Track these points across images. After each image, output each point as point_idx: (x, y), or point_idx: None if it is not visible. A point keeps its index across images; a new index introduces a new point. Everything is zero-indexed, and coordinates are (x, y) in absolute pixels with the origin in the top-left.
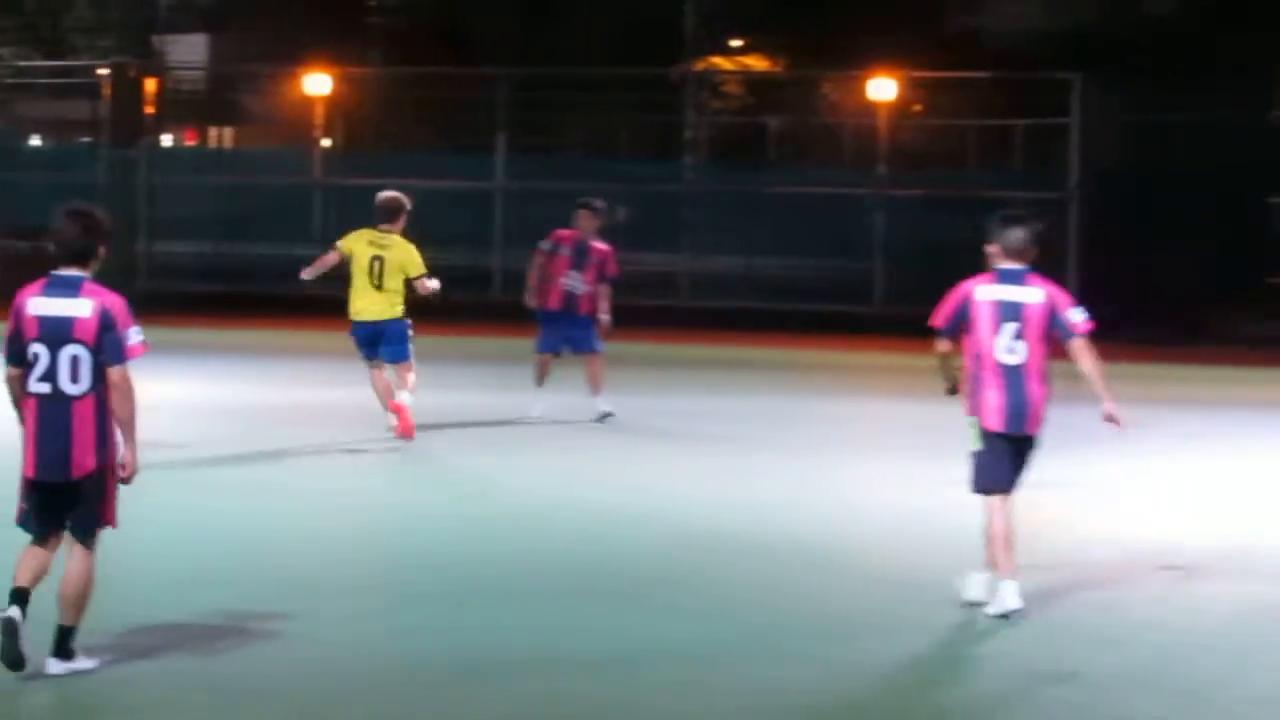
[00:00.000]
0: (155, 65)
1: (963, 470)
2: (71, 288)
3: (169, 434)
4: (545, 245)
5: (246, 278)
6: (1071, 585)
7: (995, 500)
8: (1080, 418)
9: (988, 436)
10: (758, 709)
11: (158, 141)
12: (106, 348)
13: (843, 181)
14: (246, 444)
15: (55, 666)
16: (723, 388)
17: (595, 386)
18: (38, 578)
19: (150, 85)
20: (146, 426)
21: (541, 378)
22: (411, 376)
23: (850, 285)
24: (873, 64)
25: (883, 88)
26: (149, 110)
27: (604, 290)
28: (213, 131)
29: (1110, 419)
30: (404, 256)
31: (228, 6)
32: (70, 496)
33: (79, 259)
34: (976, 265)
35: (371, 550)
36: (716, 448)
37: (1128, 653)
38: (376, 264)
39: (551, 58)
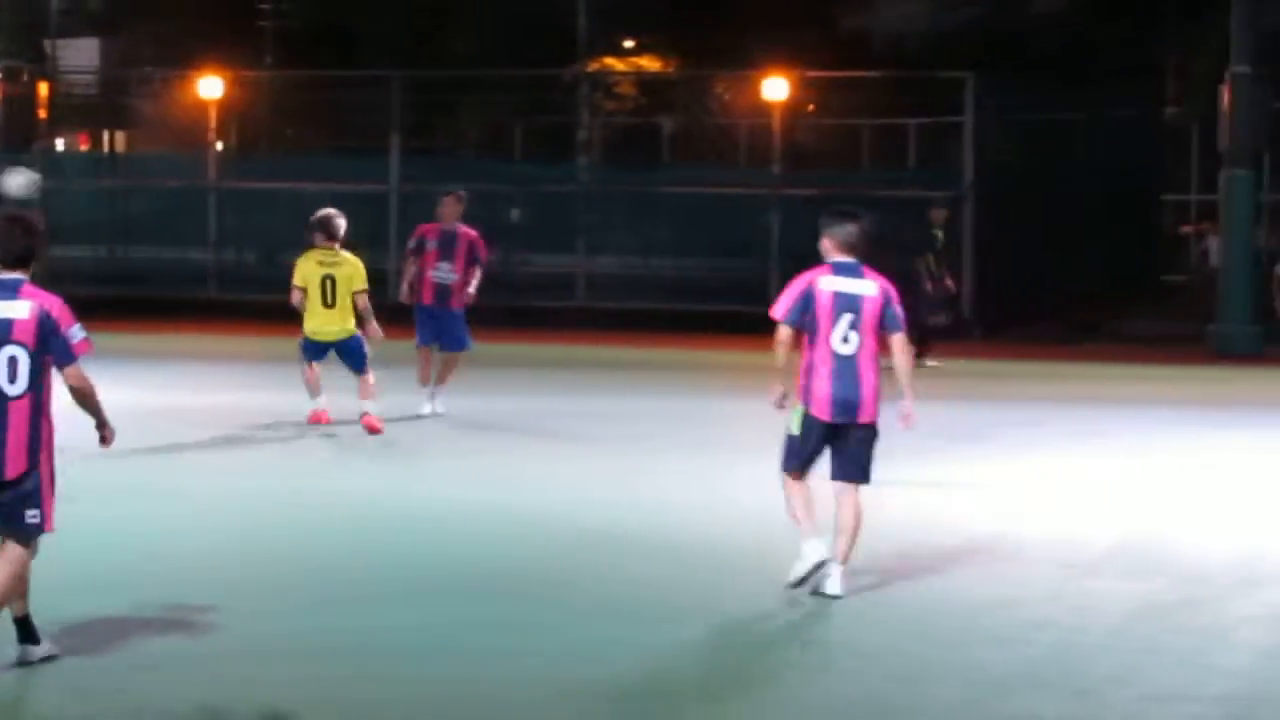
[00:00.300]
0: (47, 69)
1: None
2: (10, 290)
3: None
4: (412, 243)
5: (141, 281)
6: (965, 584)
7: (796, 478)
8: (971, 418)
9: (810, 422)
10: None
11: (51, 146)
12: (55, 350)
13: (737, 181)
14: (136, 447)
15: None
16: (619, 388)
17: (443, 381)
18: None
19: (43, 89)
20: None
21: (425, 374)
22: (373, 383)
23: (746, 285)
24: (766, 64)
25: (776, 87)
26: (41, 114)
27: (475, 271)
28: (106, 135)
29: (905, 418)
30: (353, 272)
31: (119, 10)
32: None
33: (18, 262)
34: (868, 263)
35: (258, 554)
36: (609, 448)
37: (1023, 650)
38: (328, 282)
39: (444, 59)
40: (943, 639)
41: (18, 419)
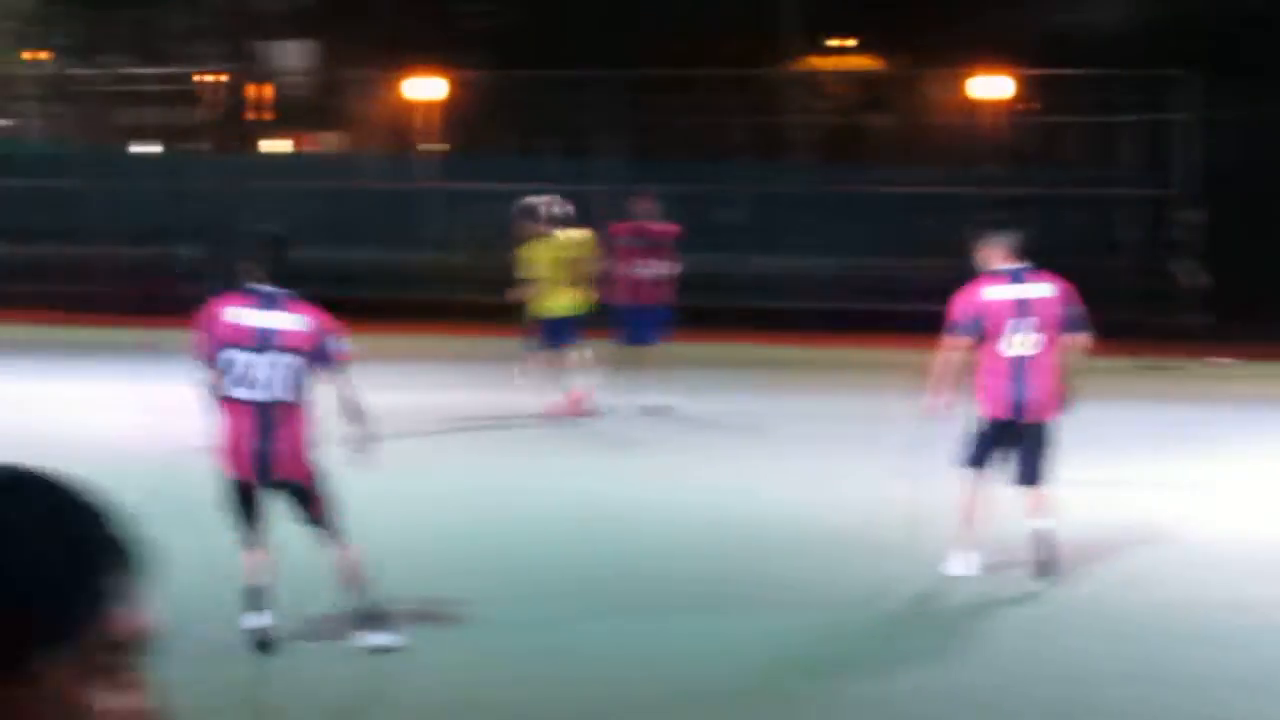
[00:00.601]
0: (262, 71)
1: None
2: (279, 303)
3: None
4: (610, 242)
5: (352, 283)
6: (1186, 586)
7: (971, 475)
8: (1197, 418)
9: (987, 422)
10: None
11: (265, 147)
12: (323, 360)
13: (947, 180)
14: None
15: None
16: (827, 388)
17: (645, 377)
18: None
19: (257, 91)
20: None
21: (626, 371)
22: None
23: (960, 285)
24: (975, 62)
25: (986, 86)
26: (255, 116)
27: (671, 269)
28: (321, 136)
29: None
30: (584, 249)
31: (331, 12)
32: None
33: (281, 277)
34: (1084, 265)
35: (478, 553)
36: (817, 449)
37: (1253, 654)
38: (563, 263)
39: (656, 59)
40: (1163, 641)
41: (290, 423)
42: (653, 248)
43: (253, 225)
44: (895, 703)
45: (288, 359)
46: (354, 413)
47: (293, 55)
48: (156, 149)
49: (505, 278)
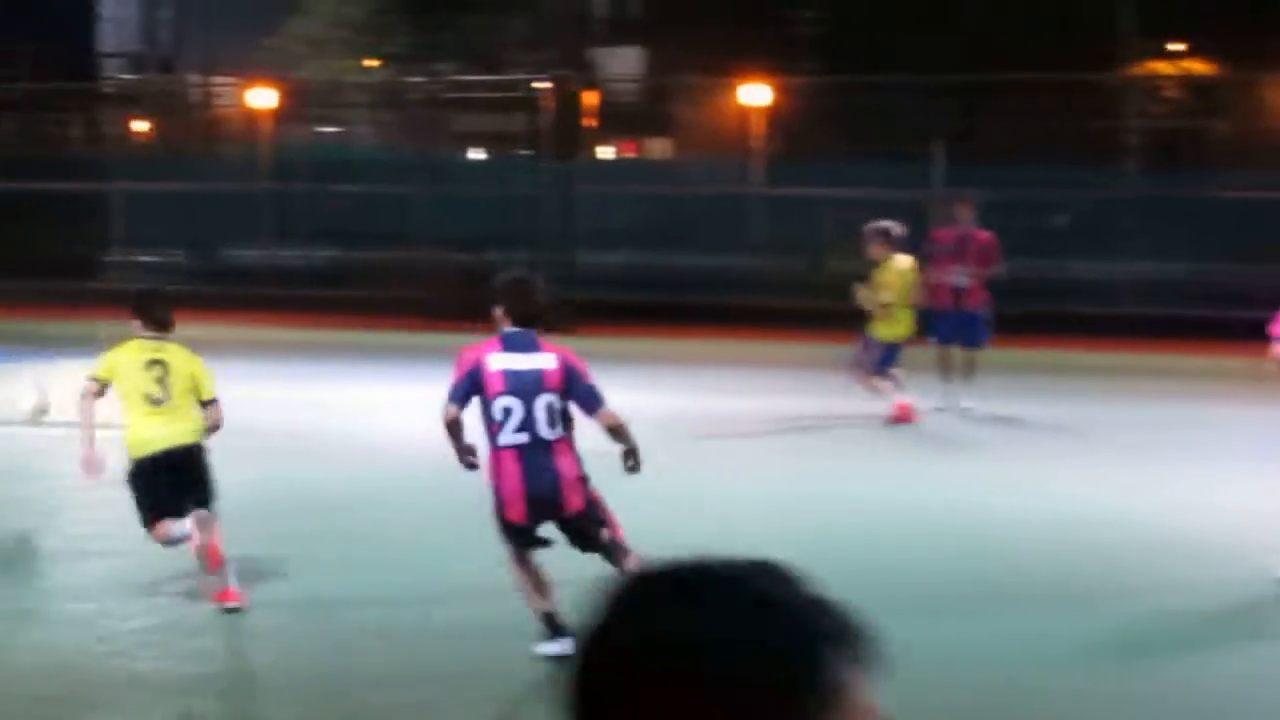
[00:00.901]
0: (593, 78)
1: None
2: (533, 345)
3: (594, 443)
4: (928, 248)
5: (682, 287)
6: None
7: None
8: None
9: None
10: None
11: (595, 153)
12: (581, 396)
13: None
14: (674, 455)
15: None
16: (1159, 395)
17: (967, 380)
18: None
19: (588, 98)
20: None
21: (948, 372)
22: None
23: None
24: None
25: None
26: (587, 123)
27: (988, 273)
28: (649, 143)
29: None
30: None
31: (660, 19)
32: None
33: (533, 320)
34: None
35: (800, 555)
36: (1147, 455)
37: None
38: (903, 288)
39: (986, 64)
40: None
41: (565, 459)
42: (970, 254)
43: (505, 270)
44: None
45: (550, 398)
46: (620, 435)
47: (621, 62)
48: (483, 155)
49: (830, 283)
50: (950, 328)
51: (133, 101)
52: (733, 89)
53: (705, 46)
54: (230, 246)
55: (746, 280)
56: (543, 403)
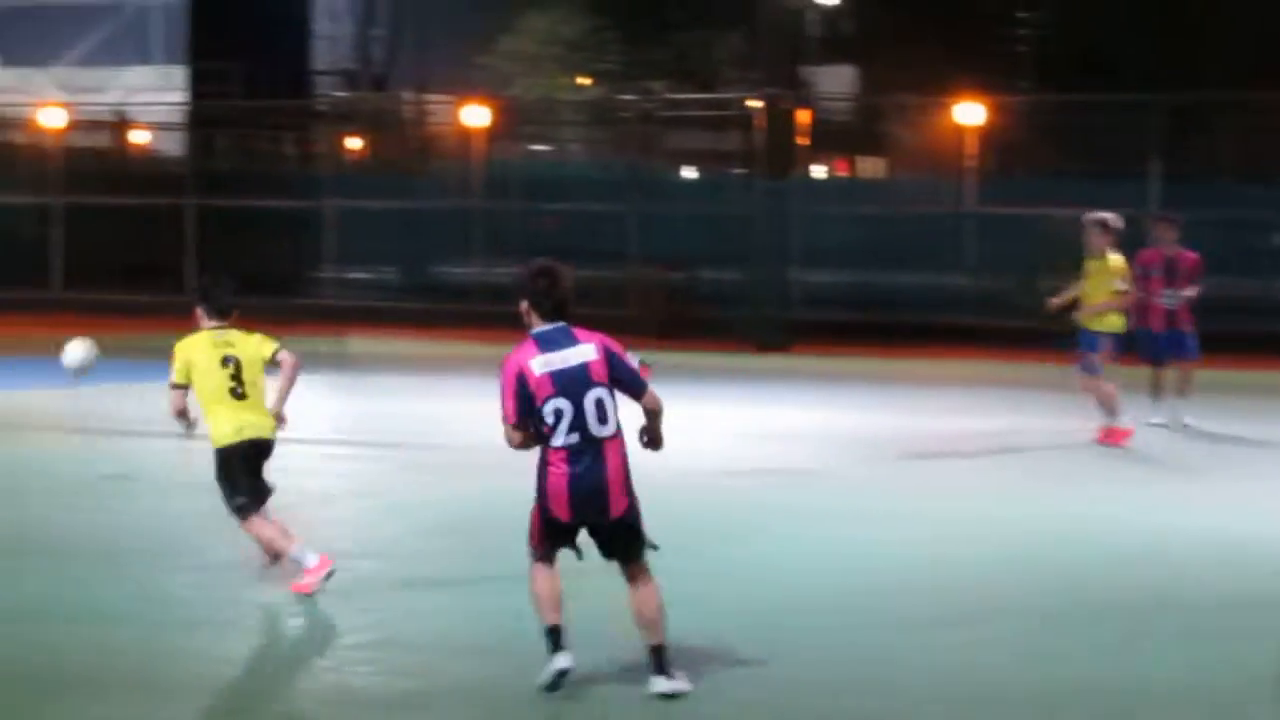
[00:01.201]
0: (806, 97)
1: None
2: (570, 337)
3: (804, 461)
4: (1136, 270)
5: (894, 306)
6: None
7: None
8: None
9: None
10: None
11: (808, 172)
12: (625, 380)
13: None
14: (881, 472)
15: (661, 684)
16: None
17: (1183, 395)
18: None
19: (801, 116)
20: (779, 453)
21: (1160, 391)
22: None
23: None
24: None
25: None
26: (800, 141)
27: (1195, 292)
28: (861, 161)
29: None
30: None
31: (874, 37)
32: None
33: (557, 312)
34: None
35: (1010, 576)
36: None
37: None
38: (1113, 283)
39: (1200, 82)
40: None
41: (615, 459)
42: (1179, 275)
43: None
44: None
45: (599, 392)
46: (655, 418)
47: (834, 80)
48: (695, 173)
49: (1041, 303)
50: (1162, 347)
51: (346, 119)
52: (946, 107)
53: (918, 64)
54: (442, 263)
55: (958, 299)
56: (592, 398)
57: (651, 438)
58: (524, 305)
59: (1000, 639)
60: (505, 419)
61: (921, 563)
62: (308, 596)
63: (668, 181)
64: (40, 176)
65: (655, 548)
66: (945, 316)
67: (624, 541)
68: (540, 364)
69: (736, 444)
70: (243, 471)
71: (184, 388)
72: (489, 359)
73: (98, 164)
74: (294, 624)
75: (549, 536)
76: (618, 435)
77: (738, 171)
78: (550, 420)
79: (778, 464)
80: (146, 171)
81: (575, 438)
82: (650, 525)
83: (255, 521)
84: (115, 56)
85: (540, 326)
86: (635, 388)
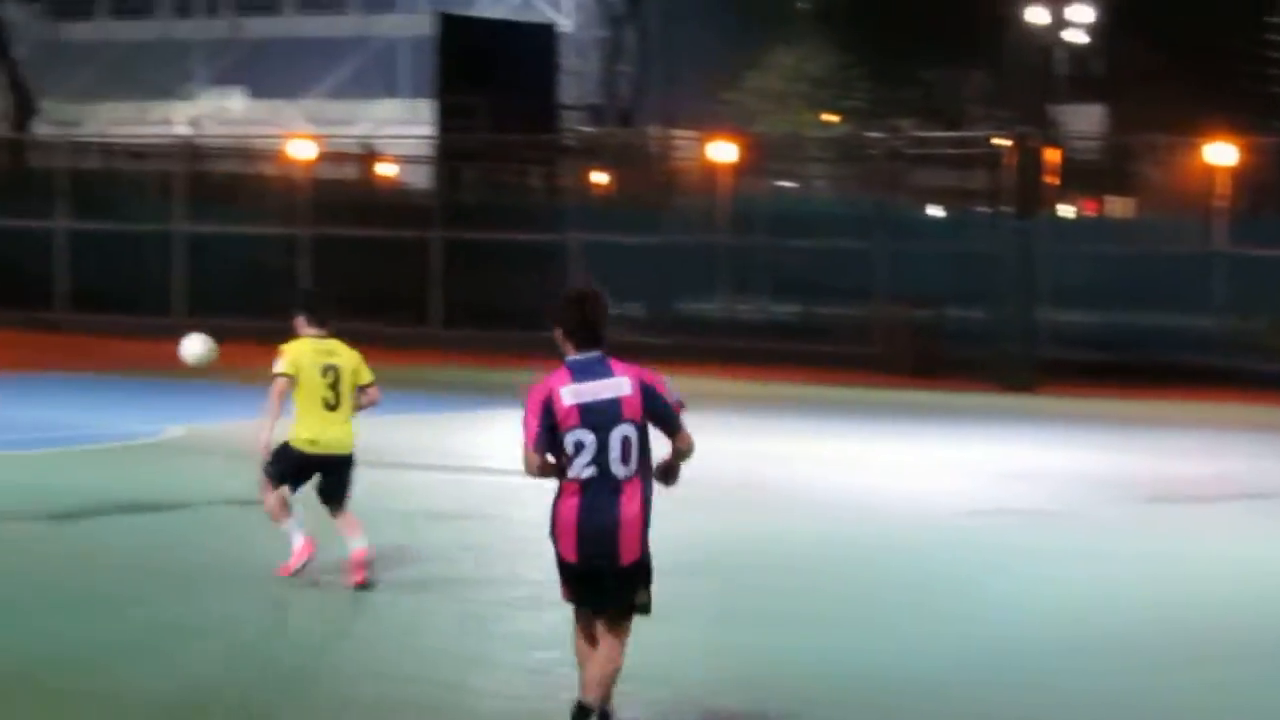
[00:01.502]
0: (1055, 135)
1: None
2: (605, 368)
3: (1045, 501)
4: None
5: (1142, 346)
6: None
7: None
8: None
9: None
10: None
11: (1055, 211)
12: (661, 417)
13: None
14: (1129, 514)
15: None
16: None
17: None
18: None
19: (1050, 155)
20: (1015, 493)
21: None
22: None
23: None
24: None
25: None
26: (1048, 180)
27: None
28: (1110, 200)
29: None
30: None
31: (1123, 77)
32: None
33: (598, 340)
34: None
35: (1262, 619)
36: None
37: None
38: None
39: None
40: None
41: (632, 504)
42: None
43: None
44: None
45: (627, 430)
46: (682, 456)
47: (1083, 119)
48: (942, 211)
49: None
50: None
51: (592, 153)
52: (1197, 147)
53: (1167, 103)
54: (687, 299)
55: (1206, 340)
56: (618, 435)
57: (669, 473)
58: (558, 333)
59: (1254, 680)
60: (525, 443)
61: (1173, 602)
62: (552, 637)
63: (914, 219)
64: (289, 208)
65: (646, 612)
66: (1193, 357)
67: (621, 592)
68: (570, 394)
69: (979, 483)
70: (293, 466)
71: (290, 378)
72: (733, 396)
73: (345, 196)
74: (540, 658)
75: (565, 582)
76: (639, 479)
77: (983, 209)
78: (570, 450)
79: (1021, 504)
80: (393, 203)
81: (592, 471)
82: (889, 564)
83: (270, 489)
84: (363, 90)
85: (574, 355)
86: (669, 424)
